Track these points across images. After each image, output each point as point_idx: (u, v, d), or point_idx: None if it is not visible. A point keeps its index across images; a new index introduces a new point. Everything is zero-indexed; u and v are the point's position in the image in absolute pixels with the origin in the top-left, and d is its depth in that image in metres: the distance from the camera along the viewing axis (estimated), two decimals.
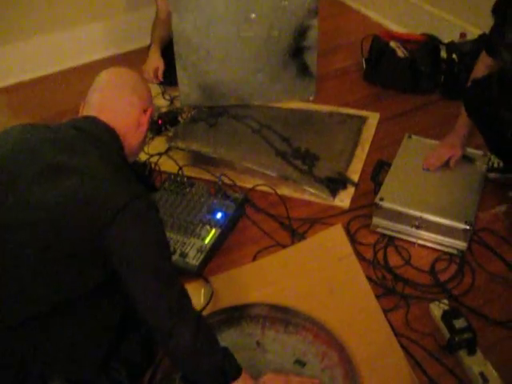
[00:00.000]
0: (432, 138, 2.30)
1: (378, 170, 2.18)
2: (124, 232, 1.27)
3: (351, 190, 2.24)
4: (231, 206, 2.08)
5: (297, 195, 2.24)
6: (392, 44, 2.85)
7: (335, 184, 2.23)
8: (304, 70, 2.76)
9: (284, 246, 2.02)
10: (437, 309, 1.73)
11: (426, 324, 1.74)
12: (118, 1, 3.44)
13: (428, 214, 1.93)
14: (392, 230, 2.01)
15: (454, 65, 2.68)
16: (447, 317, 1.68)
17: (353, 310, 1.77)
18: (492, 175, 2.21)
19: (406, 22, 3.36)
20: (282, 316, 1.74)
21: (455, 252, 1.94)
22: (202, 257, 1.92)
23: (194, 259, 1.91)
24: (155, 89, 2.98)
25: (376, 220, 2.02)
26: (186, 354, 1.35)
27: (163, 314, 1.32)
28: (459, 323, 1.64)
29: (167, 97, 2.92)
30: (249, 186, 2.28)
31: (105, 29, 3.48)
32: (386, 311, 1.77)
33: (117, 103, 1.49)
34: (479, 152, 2.20)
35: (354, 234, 2.06)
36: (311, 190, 2.21)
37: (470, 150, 2.20)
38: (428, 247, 1.99)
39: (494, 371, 1.56)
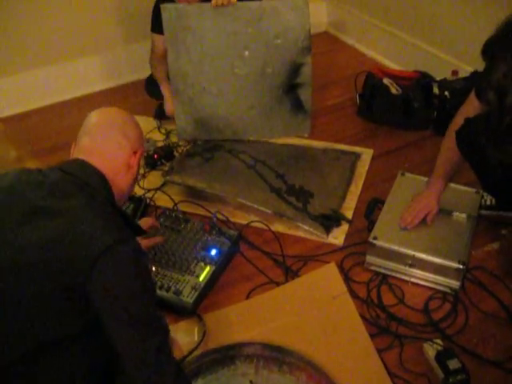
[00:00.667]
0: (425, 174, 2.30)
1: (371, 207, 2.19)
2: (104, 276, 1.25)
3: (345, 227, 2.26)
4: (226, 243, 2.09)
5: (291, 232, 2.25)
6: (385, 81, 2.89)
7: (329, 221, 2.25)
8: (298, 107, 2.79)
9: (278, 284, 2.03)
10: (430, 349, 1.73)
11: (420, 364, 1.74)
12: (114, 34, 3.49)
13: (421, 253, 1.94)
14: (386, 268, 2.02)
15: (446, 102, 2.72)
16: (441, 357, 1.68)
17: (346, 349, 1.76)
18: (485, 212, 2.22)
19: (400, 58, 3.41)
20: (276, 355, 1.73)
21: (449, 290, 1.95)
22: (196, 294, 1.92)
23: (188, 297, 1.91)
24: (151, 123, 3.02)
25: (370, 258, 2.03)
26: None
27: (139, 365, 1.28)
28: (453, 364, 1.64)
29: (163, 131, 2.95)
30: (243, 222, 2.29)
31: (102, 62, 3.53)
32: (379, 351, 1.76)
33: (105, 146, 1.48)
34: (472, 189, 2.21)
35: (347, 271, 2.06)
36: (305, 227, 2.22)
37: (463, 188, 2.22)
38: (421, 285, 1.99)
39: None
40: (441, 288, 1.96)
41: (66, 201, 1.32)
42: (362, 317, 1.87)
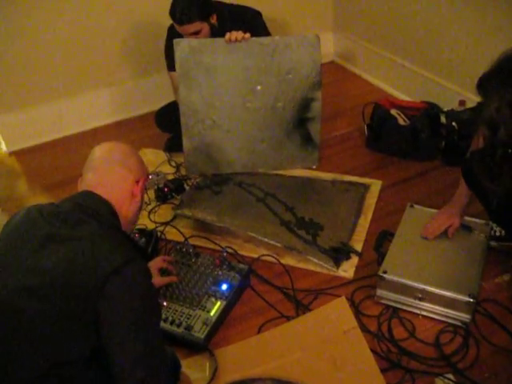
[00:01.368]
0: (434, 205, 2.32)
1: (380, 240, 2.20)
2: (114, 295, 1.32)
3: (355, 259, 2.26)
4: (236, 278, 2.10)
5: (301, 265, 2.27)
6: (393, 112, 2.92)
7: (339, 254, 2.26)
8: (307, 140, 2.82)
9: (289, 318, 2.03)
10: None
11: None
12: (125, 68, 3.56)
13: (431, 287, 1.94)
14: (396, 302, 2.02)
15: (454, 132, 2.74)
16: None
17: None
18: (494, 244, 2.22)
19: (407, 88, 3.45)
20: None
21: (459, 324, 1.94)
22: (207, 330, 1.93)
23: (199, 332, 1.92)
24: (161, 156, 3.06)
25: (380, 292, 2.03)
26: None
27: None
28: None
29: (173, 164, 2.98)
30: (254, 255, 2.31)
31: (112, 95, 3.59)
32: None
33: (109, 179, 1.57)
34: (481, 221, 2.22)
35: (358, 304, 2.07)
36: (315, 261, 2.23)
37: (472, 219, 2.23)
38: (432, 319, 1.99)
39: None
40: (451, 321, 1.96)
41: (77, 228, 1.41)
42: (373, 351, 1.87)
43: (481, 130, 1.78)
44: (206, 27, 2.67)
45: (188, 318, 1.97)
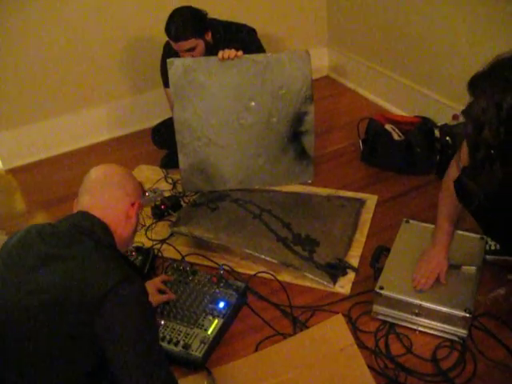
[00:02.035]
0: (429, 219, 2.33)
1: (377, 256, 2.21)
2: (111, 313, 1.34)
3: (351, 275, 2.27)
4: (233, 295, 2.11)
5: (298, 281, 2.27)
6: (387, 127, 2.93)
7: (335, 270, 2.26)
8: (302, 154, 2.84)
9: (286, 335, 2.04)
10: None
11: None
12: (121, 85, 3.57)
13: (427, 302, 1.95)
14: (393, 317, 2.03)
15: (448, 147, 2.76)
16: None
17: None
18: (490, 258, 2.23)
19: (401, 102, 3.47)
20: None
21: (456, 339, 1.95)
22: (205, 348, 1.93)
23: (197, 351, 1.92)
24: (158, 172, 3.07)
25: (376, 307, 2.04)
26: None
27: None
28: None
29: (170, 180, 2.99)
30: (250, 272, 2.31)
31: (108, 112, 3.61)
32: None
33: (105, 201, 1.58)
34: (476, 235, 2.23)
35: (355, 321, 2.07)
36: (312, 277, 2.24)
37: (467, 234, 2.24)
38: (429, 334, 1.99)
39: None
40: (448, 336, 1.96)
41: (74, 247, 1.43)
42: (371, 367, 1.87)
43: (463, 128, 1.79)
44: (201, 44, 2.70)
45: (186, 337, 1.97)
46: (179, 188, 2.91)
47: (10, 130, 3.35)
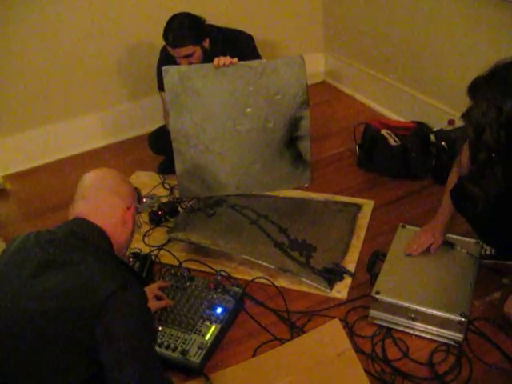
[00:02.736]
0: (425, 224, 2.34)
1: (373, 261, 2.23)
2: (111, 318, 1.34)
3: (348, 280, 2.28)
4: (230, 301, 2.12)
5: (295, 287, 2.28)
6: (384, 132, 2.95)
7: (332, 275, 2.28)
8: (298, 158, 2.86)
9: (283, 341, 2.04)
10: None
11: None
12: (117, 91, 3.59)
13: (423, 307, 1.96)
14: (389, 322, 2.04)
15: (444, 151, 2.78)
16: None
17: None
18: (485, 262, 2.24)
19: (397, 107, 3.49)
20: None
21: (452, 343, 1.96)
22: (202, 354, 1.94)
23: (195, 356, 1.93)
24: (155, 178, 3.08)
25: (373, 312, 2.05)
26: None
27: None
28: None
29: (167, 186, 3.00)
30: (247, 277, 2.32)
31: (104, 118, 3.62)
32: None
33: (100, 206, 1.58)
34: (472, 240, 2.25)
35: (352, 325, 2.08)
36: (309, 282, 2.25)
37: (463, 239, 2.25)
38: (425, 338, 2.01)
39: None
40: (444, 340, 1.98)
41: (72, 254, 1.44)
42: (368, 372, 1.88)
43: (464, 132, 1.82)
44: (198, 51, 2.71)
45: (183, 343, 1.98)
46: (176, 194, 2.92)
47: (5, 136, 3.36)
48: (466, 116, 1.69)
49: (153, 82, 3.05)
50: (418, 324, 2.00)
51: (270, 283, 2.28)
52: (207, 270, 2.38)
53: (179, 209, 2.79)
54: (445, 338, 1.97)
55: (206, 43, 2.76)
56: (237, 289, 2.18)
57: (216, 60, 2.61)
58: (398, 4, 3.26)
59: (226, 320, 2.06)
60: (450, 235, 2.25)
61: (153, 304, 2.04)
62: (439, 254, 2.19)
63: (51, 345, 1.34)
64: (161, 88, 2.94)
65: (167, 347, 1.95)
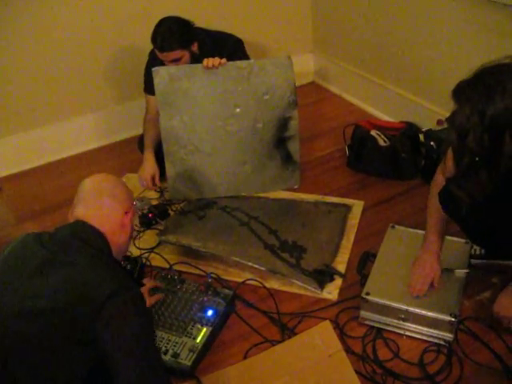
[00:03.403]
0: (415, 224, 2.36)
1: (363, 262, 2.23)
2: (111, 317, 1.37)
3: (339, 281, 2.29)
4: (221, 303, 2.12)
5: (286, 288, 2.28)
6: (373, 133, 2.96)
7: (323, 276, 2.28)
8: (288, 159, 2.86)
9: (274, 342, 2.05)
10: None
11: None
12: (107, 93, 3.57)
13: (413, 307, 1.96)
14: (380, 323, 2.05)
15: (433, 151, 2.79)
16: None
17: None
18: (475, 262, 2.25)
19: (386, 107, 3.50)
20: None
21: (443, 343, 1.97)
22: (194, 356, 1.94)
23: (186, 359, 1.93)
24: None
25: (363, 313, 2.06)
26: None
27: None
28: None
29: (157, 188, 2.99)
30: (238, 279, 2.32)
31: (95, 120, 3.61)
32: None
33: (99, 211, 1.62)
34: (461, 240, 2.25)
35: (342, 326, 2.09)
36: (299, 283, 2.25)
37: (453, 239, 2.26)
38: (416, 338, 2.01)
39: None
40: (435, 340, 1.98)
41: (73, 254, 1.48)
42: (358, 373, 1.89)
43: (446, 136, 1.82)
44: (186, 55, 2.71)
45: (174, 346, 1.97)
46: (167, 196, 2.91)
47: None
48: (449, 120, 1.69)
49: (143, 84, 3.04)
50: (409, 324, 2.00)
51: (260, 285, 2.28)
52: (198, 272, 2.37)
53: (170, 211, 2.79)
54: (435, 338, 1.98)
55: (195, 47, 2.76)
56: (227, 291, 2.18)
57: (205, 61, 2.61)
58: (386, 5, 3.27)
59: (217, 322, 2.06)
60: None
61: (149, 300, 2.05)
62: None
63: (50, 342, 1.36)
64: (147, 91, 2.94)
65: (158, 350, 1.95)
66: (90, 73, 3.44)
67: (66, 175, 3.37)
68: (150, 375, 1.41)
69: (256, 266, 2.29)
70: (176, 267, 2.39)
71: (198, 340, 1.99)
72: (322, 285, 2.26)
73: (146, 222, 2.71)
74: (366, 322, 2.07)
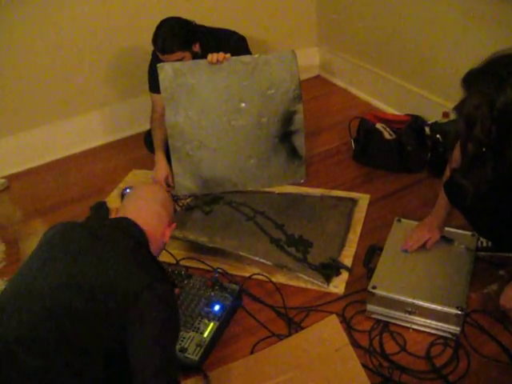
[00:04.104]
0: (422, 217, 2.32)
1: (369, 255, 2.23)
2: (144, 306, 1.44)
3: (345, 275, 2.29)
4: (228, 298, 2.12)
5: (292, 282, 2.29)
6: (378, 126, 2.95)
7: (329, 270, 2.28)
8: (293, 153, 2.86)
9: (281, 337, 2.05)
10: None
11: None
12: (112, 90, 3.58)
13: (420, 300, 1.96)
14: (386, 316, 2.05)
15: (439, 144, 2.78)
16: None
17: None
18: (482, 254, 2.25)
19: (392, 100, 3.49)
20: None
21: (449, 336, 1.97)
22: (201, 351, 1.95)
23: (193, 354, 1.94)
24: (147, 176, 3.06)
25: (370, 307, 2.06)
26: None
27: None
28: None
29: (172, 190, 2.98)
30: (245, 274, 2.33)
31: (101, 117, 3.62)
32: None
33: (149, 216, 1.72)
34: (468, 232, 2.25)
35: (349, 320, 2.09)
36: (306, 278, 2.26)
37: (459, 232, 2.26)
38: (423, 332, 2.01)
39: None
40: (442, 333, 1.98)
41: (118, 243, 1.57)
42: (365, 366, 1.89)
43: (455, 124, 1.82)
44: (188, 56, 2.71)
45: (182, 340, 1.98)
46: (173, 192, 2.92)
47: (2, 137, 3.35)
48: (458, 108, 1.69)
49: None
50: (415, 318, 2.00)
51: (267, 280, 2.28)
52: (204, 267, 2.38)
53: (176, 207, 2.79)
54: (442, 331, 1.98)
55: (196, 48, 2.75)
56: (234, 286, 2.19)
57: (210, 56, 2.61)
58: None
59: (224, 317, 2.07)
60: (446, 228, 2.25)
61: None
62: (436, 248, 2.20)
63: (92, 317, 1.42)
64: (152, 89, 2.94)
65: None
66: (95, 70, 3.45)
67: (72, 172, 3.38)
68: (167, 368, 1.45)
69: (262, 260, 2.30)
70: (183, 262, 2.39)
71: (205, 335, 2.00)
72: (328, 279, 2.26)
73: None
74: (373, 316, 2.07)
